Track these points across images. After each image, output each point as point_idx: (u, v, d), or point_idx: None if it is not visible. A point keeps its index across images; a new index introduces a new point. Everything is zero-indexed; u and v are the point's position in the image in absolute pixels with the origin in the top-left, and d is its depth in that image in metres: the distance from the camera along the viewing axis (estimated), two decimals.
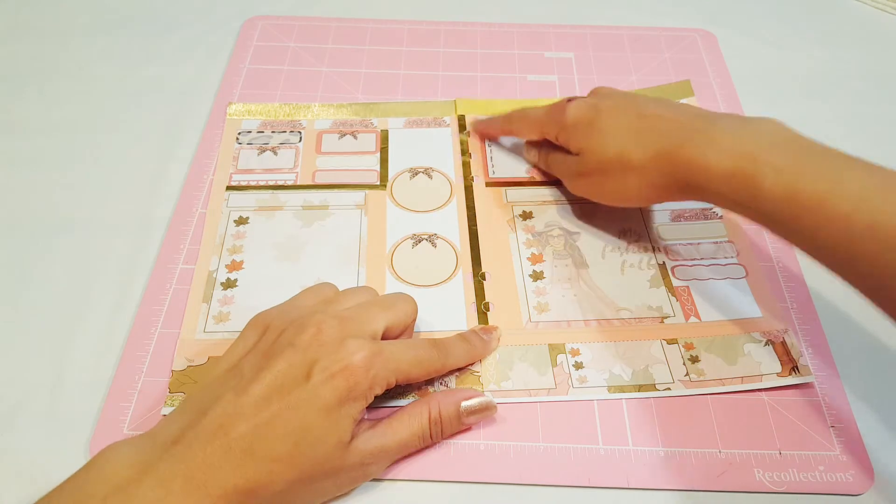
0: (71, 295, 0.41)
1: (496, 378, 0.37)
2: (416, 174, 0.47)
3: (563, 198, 0.46)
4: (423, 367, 0.34)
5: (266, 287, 0.41)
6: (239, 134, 0.49)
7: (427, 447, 0.35)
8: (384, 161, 0.48)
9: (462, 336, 0.37)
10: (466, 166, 0.48)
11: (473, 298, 0.41)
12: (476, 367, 0.38)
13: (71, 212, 0.45)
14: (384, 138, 0.50)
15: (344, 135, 0.50)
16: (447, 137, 0.50)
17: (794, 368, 0.37)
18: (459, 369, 0.37)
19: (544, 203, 0.46)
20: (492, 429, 0.36)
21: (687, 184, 0.36)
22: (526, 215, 0.45)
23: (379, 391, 0.31)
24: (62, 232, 0.44)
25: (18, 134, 0.50)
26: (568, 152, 0.42)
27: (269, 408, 0.29)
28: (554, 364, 0.38)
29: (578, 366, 0.38)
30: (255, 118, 0.51)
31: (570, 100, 0.42)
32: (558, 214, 0.45)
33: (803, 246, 0.33)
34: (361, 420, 0.32)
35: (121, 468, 0.28)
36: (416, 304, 0.36)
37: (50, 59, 0.55)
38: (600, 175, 0.40)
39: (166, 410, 0.36)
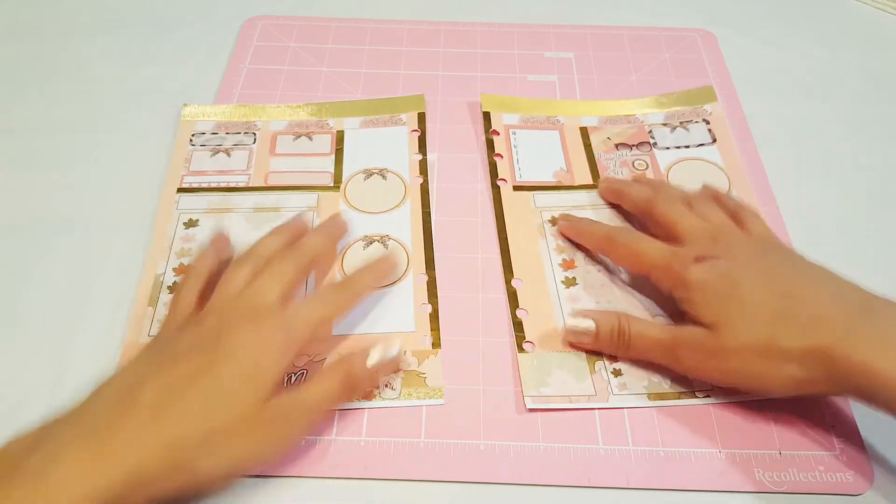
0: (71, 295, 0.41)
1: (535, 384, 0.37)
2: (371, 175, 0.47)
3: (592, 202, 0.46)
4: (334, 306, 0.36)
5: (214, 290, 0.40)
6: (193, 136, 0.49)
7: (345, 402, 0.36)
8: (339, 162, 0.48)
9: (367, 264, 0.38)
10: (493, 168, 0.48)
11: (423, 299, 0.41)
12: (423, 369, 0.38)
13: (71, 212, 0.45)
14: (339, 139, 0.49)
15: (299, 136, 0.49)
16: (403, 136, 0.50)
17: None
18: (395, 371, 0.37)
19: (573, 208, 0.45)
20: (492, 429, 0.36)
21: (853, 387, 0.31)
22: (555, 221, 0.45)
23: (296, 346, 0.33)
24: (62, 232, 0.44)
25: (18, 134, 0.50)
26: (667, 320, 0.38)
27: (178, 367, 0.30)
28: (592, 371, 0.38)
29: (617, 373, 0.38)
30: (210, 120, 0.50)
31: (698, 258, 0.35)
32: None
33: None
34: (281, 383, 0.33)
35: (17, 445, 0.28)
36: (304, 254, 0.37)
37: (50, 59, 0.55)
38: (740, 359, 0.33)
39: None
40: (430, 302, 0.41)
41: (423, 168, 0.48)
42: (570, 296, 0.41)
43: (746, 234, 0.38)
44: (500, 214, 0.45)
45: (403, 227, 0.44)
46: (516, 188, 0.47)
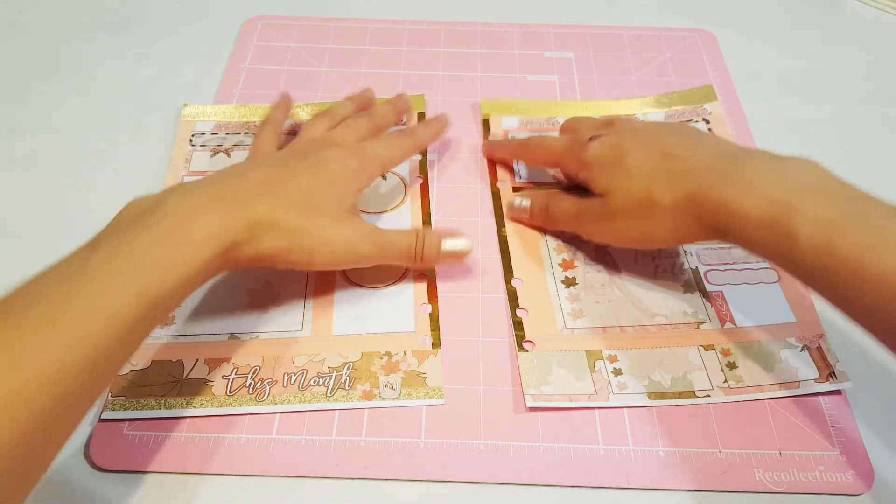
0: None
1: (535, 382, 0.37)
2: None
3: None
4: (401, 150, 0.42)
5: (213, 291, 0.41)
6: (192, 136, 0.49)
7: (404, 264, 0.40)
8: None
9: (426, 120, 0.47)
10: (493, 170, 0.48)
11: (423, 300, 0.41)
12: (423, 369, 0.38)
13: (71, 212, 0.45)
14: None
15: None
16: None
17: (831, 374, 0.37)
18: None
19: None
20: (492, 429, 0.36)
21: (717, 228, 0.34)
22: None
23: (371, 174, 0.40)
24: (62, 231, 0.44)
25: (18, 134, 0.50)
26: (580, 196, 0.41)
27: (281, 165, 0.37)
28: (592, 370, 0.38)
29: (617, 372, 0.38)
30: (210, 120, 0.50)
31: (592, 138, 0.40)
32: None
33: (839, 304, 0.31)
34: (359, 204, 0.39)
35: (133, 209, 0.32)
36: (407, 149, 0.43)
37: (50, 59, 0.55)
38: (625, 218, 0.38)
39: (107, 414, 0.35)
40: (430, 302, 0.41)
41: (424, 168, 0.48)
42: (571, 295, 0.41)
43: (645, 121, 0.43)
44: (499, 214, 0.45)
45: (404, 227, 0.44)
46: (515, 189, 0.47)
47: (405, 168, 0.47)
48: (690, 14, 0.61)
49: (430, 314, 0.40)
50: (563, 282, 0.42)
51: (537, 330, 0.39)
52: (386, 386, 0.37)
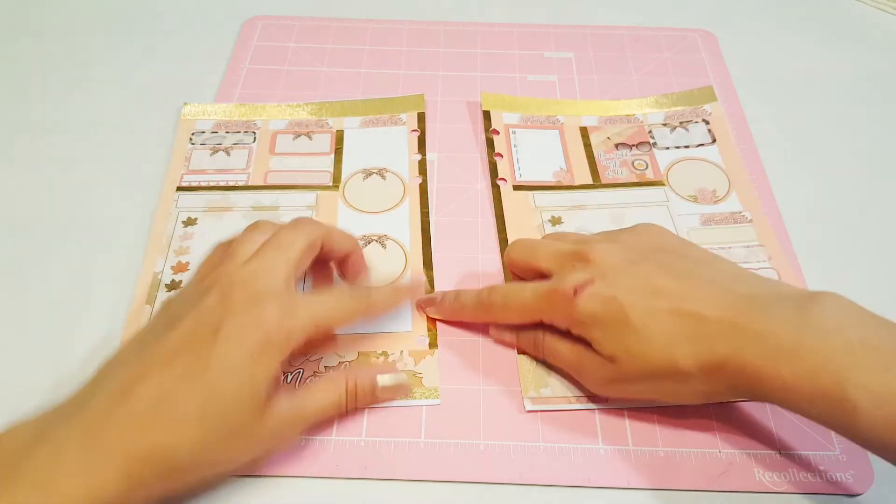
0: (70, 293, 0.41)
1: (535, 385, 0.37)
2: (370, 175, 0.47)
3: (592, 203, 0.46)
4: (344, 311, 0.34)
5: None
6: (192, 134, 0.49)
7: (340, 417, 0.35)
8: (338, 162, 0.48)
9: (390, 284, 0.40)
10: (493, 167, 0.48)
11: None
12: (419, 369, 0.38)
13: (70, 211, 0.45)
14: (339, 139, 0.49)
15: (299, 135, 0.49)
16: (403, 136, 0.50)
17: None
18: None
19: (573, 208, 0.45)
20: (492, 429, 0.36)
21: (756, 395, 0.31)
22: (555, 220, 0.44)
23: (296, 344, 0.31)
24: (62, 231, 0.44)
25: (18, 134, 0.50)
26: (575, 341, 0.35)
27: (173, 367, 0.29)
28: None
29: None
30: (210, 118, 0.50)
31: (577, 289, 0.34)
32: (588, 220, 0.45)
33: None
34: (279, 382, 0.31)
35: (15, 440, 0.28)
36: (317, 227, 0.35)
37: (50, 59, 0.55)
38: (643, 382, 0.33)
39: None
40: None
41: (423, 168, 0.48)
42: None
43: (605, 235, 0.38)
44: (499, 214, 0.45)
45: (401, 227, 0.44)
46: (516, 188, 0.47)
47: (404, 167, 0.47)
48: (690, 14, 0.61)
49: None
50: None
51: None
52: None
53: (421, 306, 0.40)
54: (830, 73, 0.56)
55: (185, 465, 0.29)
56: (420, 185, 0.47)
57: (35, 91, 0.53)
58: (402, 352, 0.38)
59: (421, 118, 0.51)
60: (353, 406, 0.35)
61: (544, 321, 0.36)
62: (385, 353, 0.38)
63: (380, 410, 0.36)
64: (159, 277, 0.41)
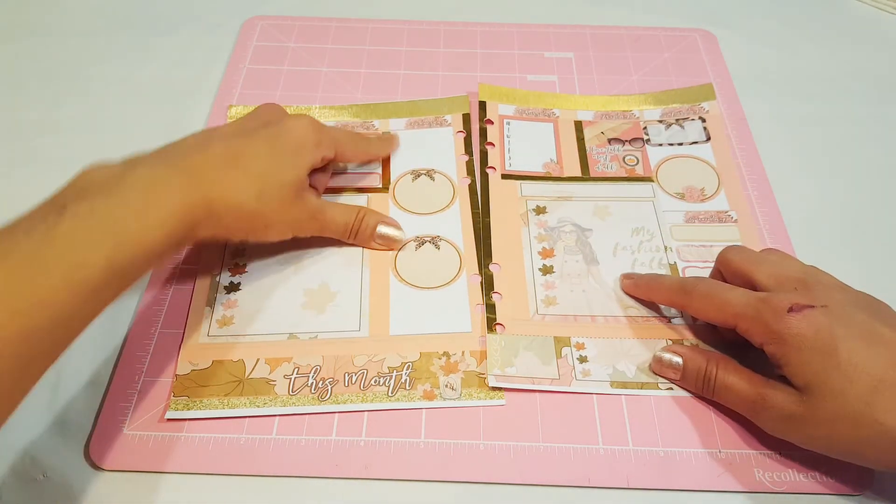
0: None
1: (500, 363, 0.37)
2: (419, 176, 0.47)
3: (578, 195, 0.46)
4: (357, 145, 0.45)
5: (269, 291, 0.41)
6: None
7: (341, 240, 0.42)
8: (386, 163, 0.48)
9: (383, 137, 0.49)
10: (484, 155, 0.48)
11: (479, 300, 0.41)
12: (482, 370, 0.37)
13: None
14: None
15: None
16: (449, 137, 0.50)
17: None
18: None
19: (559, 199, 0.46)
20: (492, 429, 0.36)
21: None
22: (540, 210, 0.45)
23: (326, 153, 0.40)
24: None
25: (18, 134, 0.50)
26: (752, 368, 0.34)
27: (242, 136, 0.37)
28: (558, 356, 0.38)
29: (583, 359, 0.38)
30: None
31: (792, 307, 0.32)
32: (572, 211, 0.45)
33: None
34: (307, 184, 0.39)
35: (97, 176, 0.32)
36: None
37: (50, 59, 0.55)
38: (829, 427, 0.31)
39: (172, 414, 0.36)
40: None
41: (470, 168, 0.48)
42: (546, 283, 0.41)
43: (832, 278, 0.35)
44: (485, 201, 0.45)
45: (454, 228, 0.44)
46: (504, 176, 0.47)
47: (452, 168, 0.48)
48: (690, 14, 0.61)
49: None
50: (540, 269, 0.42)
51: (509, 314, 0.40)
52: (446, 386, 0.37)
53: (622, 281, 0.41)
54: (830, 73, 0.56)
55: (245, 211, 0.36)
56: (469, 185, 0.47)
57: (35, 91, 0.53)
58: (463, 352, 0.38)
59: (466, 119, 0.51)
60: (353, 237, 0.42)
61: (738, 329, 0.34)
62: (447, 354, 0.38)
63: (380, 411, 0.36)
64: (217, 280, 0.42)
